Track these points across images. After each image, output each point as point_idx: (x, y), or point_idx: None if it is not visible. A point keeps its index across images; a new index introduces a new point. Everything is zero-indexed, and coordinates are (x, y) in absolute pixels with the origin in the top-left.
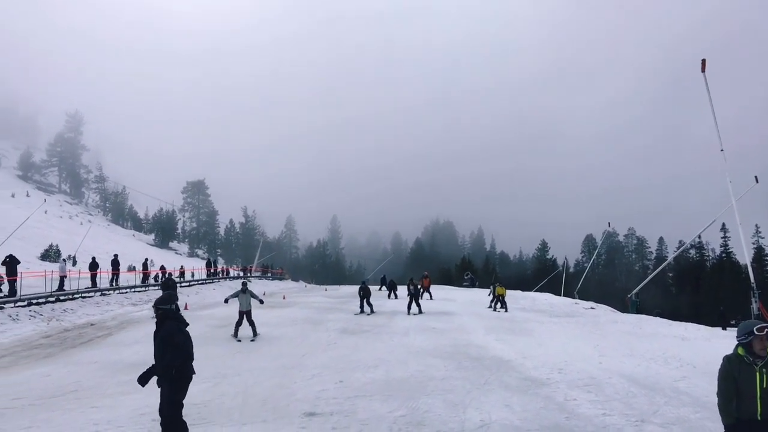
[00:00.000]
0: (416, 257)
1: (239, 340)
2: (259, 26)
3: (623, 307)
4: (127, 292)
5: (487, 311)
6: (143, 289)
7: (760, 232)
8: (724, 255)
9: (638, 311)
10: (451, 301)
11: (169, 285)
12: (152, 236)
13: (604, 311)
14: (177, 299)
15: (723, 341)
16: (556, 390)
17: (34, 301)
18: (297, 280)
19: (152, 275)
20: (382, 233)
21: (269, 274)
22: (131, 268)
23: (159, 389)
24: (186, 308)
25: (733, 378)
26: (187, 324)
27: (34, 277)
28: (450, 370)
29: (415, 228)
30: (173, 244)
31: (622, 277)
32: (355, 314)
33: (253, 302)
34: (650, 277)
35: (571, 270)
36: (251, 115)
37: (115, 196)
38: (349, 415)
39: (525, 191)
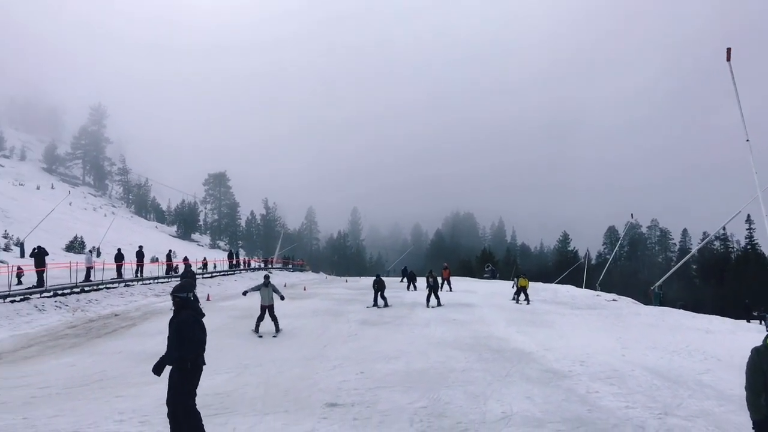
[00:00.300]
0: (437, 249)
1: (260, 336)
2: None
3: (646, 299)
4: (150, 283)
5: (509, 303)
6: (166, 280)
7: None
8: (749, 247)
9: (661, 303)
10: (472, 292)
11: (188, 275)
12: (174, 228)
13: (626, 303)
14: (194, 288)
15: (748, 334)
16: (578, 382)
17: (60, 292)
18: (317, 271)
19: (175, 266)
20: (403, 225)
21: (290, 266)
22: (154, 260)
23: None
24: (208, 299)
25: (762, 371)
26: (203, 315)
27: (59, 268)
28: (471, 362)
29: (436, 219)
30: (195, 236)
31: (644, 269)
32: (367, 307)
33: (275, 296)
34: (674, 269)
35: (593, 262)
36: (271, 107)
37: (138, 188)
38: (370, 405)
39: (546, 183)
